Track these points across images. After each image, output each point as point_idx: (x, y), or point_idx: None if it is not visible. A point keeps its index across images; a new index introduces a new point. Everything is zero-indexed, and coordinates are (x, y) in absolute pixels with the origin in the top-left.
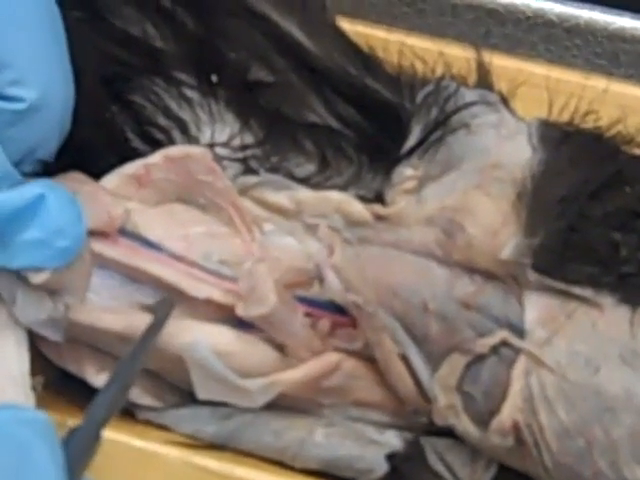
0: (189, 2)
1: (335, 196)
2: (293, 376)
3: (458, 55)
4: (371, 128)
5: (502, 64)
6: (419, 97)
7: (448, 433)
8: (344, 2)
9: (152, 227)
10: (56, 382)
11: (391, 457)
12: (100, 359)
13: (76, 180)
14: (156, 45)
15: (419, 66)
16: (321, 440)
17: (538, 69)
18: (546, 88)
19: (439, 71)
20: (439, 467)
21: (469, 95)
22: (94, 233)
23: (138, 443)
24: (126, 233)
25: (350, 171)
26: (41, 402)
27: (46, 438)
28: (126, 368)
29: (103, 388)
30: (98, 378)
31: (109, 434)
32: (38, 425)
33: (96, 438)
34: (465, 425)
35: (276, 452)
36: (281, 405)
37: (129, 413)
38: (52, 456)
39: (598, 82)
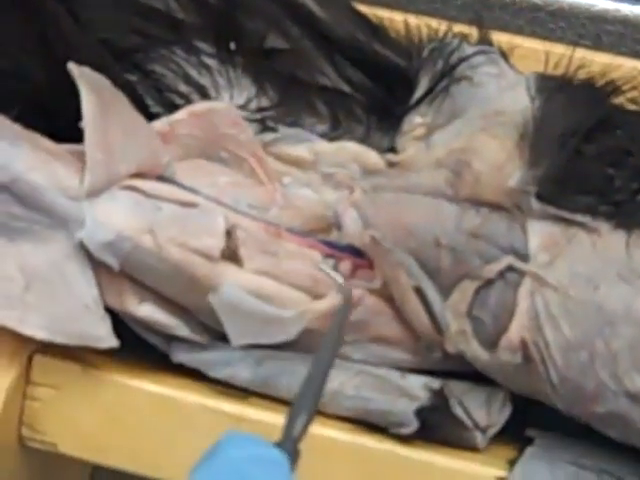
0: None
1: (351, 146)
2: (321, 306)
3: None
4: (379, 91)
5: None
6: (425, 52)
7: (461, 375)
8: None
9: (184, 176)
10: None
11: (419, 411)
12: (140, 292)
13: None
14: (177, 16)
15: (424, 30)
16: (352, 393)
17: (527, 43)
18: (537, 54)
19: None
20: (458, 411)
21: (471, 49)
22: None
23: (153, 388)
24: (164, 179)
25: (360, 130)
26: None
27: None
28: (317, 373)
29: (297, 399)
30: (140, 308)
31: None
32: (270, 464)
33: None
34: (475, 349)
35: None
36: (308, 346)
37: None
38: None
39: (585, 54)
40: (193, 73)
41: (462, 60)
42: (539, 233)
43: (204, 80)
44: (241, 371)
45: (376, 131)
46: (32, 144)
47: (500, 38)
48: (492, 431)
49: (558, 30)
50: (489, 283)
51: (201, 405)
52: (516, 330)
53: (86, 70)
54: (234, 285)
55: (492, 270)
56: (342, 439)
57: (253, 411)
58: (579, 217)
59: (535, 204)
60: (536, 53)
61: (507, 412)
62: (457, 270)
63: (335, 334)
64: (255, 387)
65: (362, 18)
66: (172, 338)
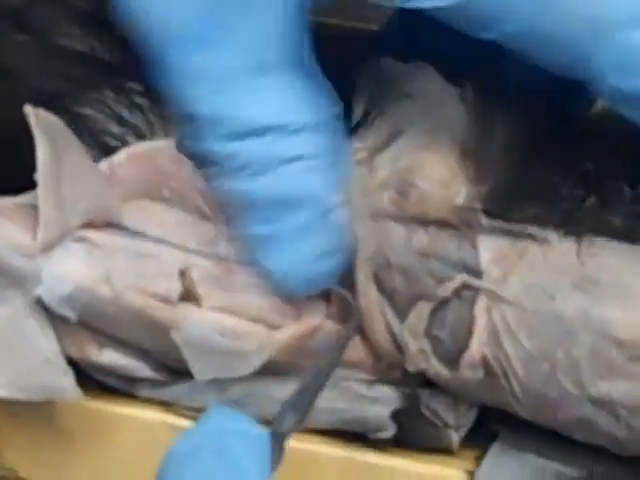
0: None
1: None
2: (281, 336)
3: None
4: None
5: None
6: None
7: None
8: None
9: (131, 219)
10: None
11: (394, 414)
12: (99, 339)
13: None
14: (103, 58)
15: None
16: (327, 405)
17: None
18: None
19: None
20: (429, 415)
21: (405, 67)
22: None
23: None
24: (112, 225)
25: None
26: None
27: (258, 454)
28: (313, 382)
29: (288, 400)
30: (101, 355)
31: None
32: (250, 439)
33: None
34: (436, 367)
35: None
36: (271, 374)
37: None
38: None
39: None
40: (125, 113)
41: (397, 76)
42: (490, 248)
43: (137, 119)
44: (208, 398)
45: None
46: None
47: None
48: (463, 431)
49: None
50: (445, 302)
51: (165, 424)
52: (476, 347)
53: (42, 113)
54: (198, 323)
55: (446, 289)
56: (322, 452)
57: None
58: (528, 229)
59: (483, 219)
60: None
61: (474, 413)
62: (411, 290)
63: (340, 348)
64: None
65: None
66: (135, 379)
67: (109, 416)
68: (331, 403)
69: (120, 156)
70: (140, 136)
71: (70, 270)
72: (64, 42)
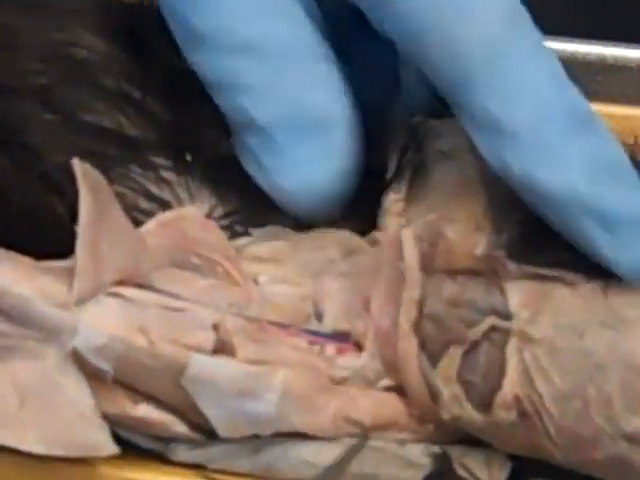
0: (158, 90)
1: (331, 231)
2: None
3: None
4: None
5: None
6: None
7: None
8: None
9: (161, 284)
10: None
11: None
12: (133, 395)
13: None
14: (129, 134)
15: None
16: (355, 470)
17: None
18: None
19: None
20: (463, 473)
21: (437, 124)
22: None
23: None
24: (143, 286)
25: (324, 225)
26: None
27: None
28: None
29: None
30: (136, 409)
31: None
32: None
33: None
34: (469, 413)
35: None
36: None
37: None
38: None
39: None
40: (153, 189)
41: (429, 133)
42: (517, 292)
43: (165, 195)
44: (240, 461)
45: (341, 222)
46: (13, 260)
47: None
48: None
49: None
50: (475, 346)
51: None
52: (508, 387)
53: (88, 168)
54: (200, 357)
55: (477, 332)
56: None
57: None
58: (554, 272)
59: (509, 265)
60: None
61: (507, 469)
62: (442, 338)
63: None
64: (257, 473)
65: None
66: (169, 440)
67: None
68: (359, 468)
69: (149, 225)
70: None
71: (105, 321)
72: (90, 119)
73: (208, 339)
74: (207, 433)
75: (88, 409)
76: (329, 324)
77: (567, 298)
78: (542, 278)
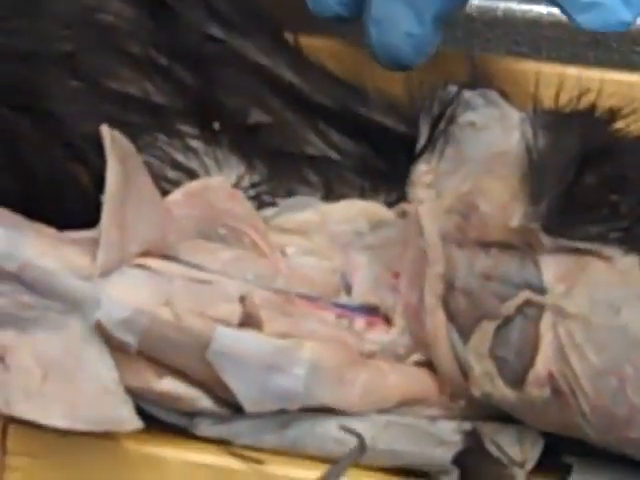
0: (184, 57)
1: (358, 202)
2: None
3: None
4: (368, 153)
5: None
6: (423, 103)
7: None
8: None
9: (187, 255)
10: None
11: (457, 457)
12: (158, 369)
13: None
14: (156, 101)
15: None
16: (385, 447)
17: None
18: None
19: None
20: (493, 450)
21: (470, 93)
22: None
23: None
24: (169, 257)
25: (354, 195)
26: None
27: None
28: None
29: None
30: (161, 383)
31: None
32: None
33: None
34: (501, 390)
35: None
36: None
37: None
38: None
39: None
40: (179, 157)
41: (462, 105)
42: (552, 266)
43: (192, 163)
44: (267, 436)
45: (370, 193)
46: (37, 231)
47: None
48: (529, 466)
49: (494, 39)
50: (508, 321)
51: (187, 461)
52: (542, 364)
53: (117, 135)
54: (225, 330)
55: (510, 307)
56: None
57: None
58: (590, 245)
59: (544, 238)
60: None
61: (540, 446)
62: (474, 312)
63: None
64: (283, 450)
65: (342, 83)
66: (193, 415)
67: (129, 453)
68: (389, 445)
69: (175, 195)
70: (195, 180)
71: (129, 293)
72: (116, 86)
73: (234, 312)
74: (233, 408)
75: (112, 383)
76: (358, 298)
77: (603, 273)
78: (578, 252)
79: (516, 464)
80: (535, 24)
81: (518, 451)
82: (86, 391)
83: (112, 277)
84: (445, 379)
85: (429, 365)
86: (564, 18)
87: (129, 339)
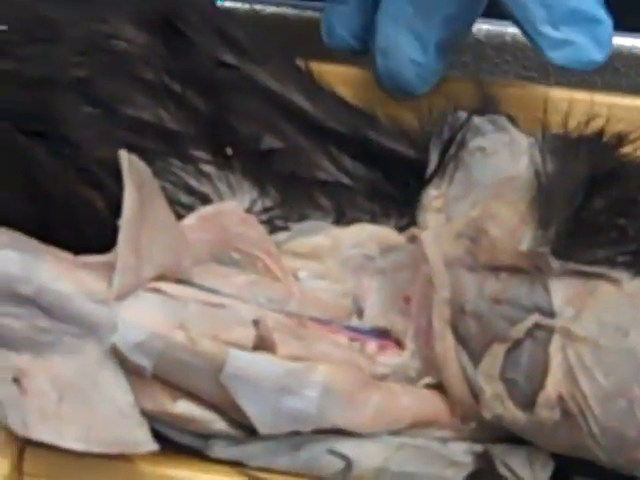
0: (197, 84)
1: (369, 226)
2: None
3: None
4: (379, 178)
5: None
6: (433, 128)
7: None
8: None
9: (201, 280)
10: None
11: (467, 478)
12: (173, 392)
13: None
14: (170, 127)
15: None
16: (397, 469)
17: None
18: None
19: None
20: (505, 472)
21: (479, 119)
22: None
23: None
24: (183, 282)
25: (366, 219)
26: None
27: None
28: None
29: None
30: (175, 406)
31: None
32: None
33: None
34: (511, 412)
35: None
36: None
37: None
38: None
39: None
40: (193, 183)
41: (471, 131)
42: (561, 289)
43: (205, 188)
44: (280, 458)
45: (381, 217)
46: (53, 256)
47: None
48: None
49: (504, 64)
50: (518, 344)
51: None
52: (552, 386)
53: (134, 160)
54: (238, 353)
55: (520, 330)
56: None
57: None
58: (598, 269)
59: (553, 262)
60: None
61: (550, 468)
62: (485, 336)
63: None
64: (297, 471)
65: (353, 108)
66: (208, 437)
67: (147, 476)
68: (401, 467)
69: (189, 219)
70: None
71: (145, 317)
72: (130, 112)
73: (248, 335)
74: (247, 430)
75: (127, 405)
76: (369, 321)
77: (612, 296)
78: (586, 275)
79: None
80: None
81: (529, 473)
82: (102, 414)
83: (127, 301)
84: (456, 401)
85: (440, 388)
86: None
87: (144, 362)
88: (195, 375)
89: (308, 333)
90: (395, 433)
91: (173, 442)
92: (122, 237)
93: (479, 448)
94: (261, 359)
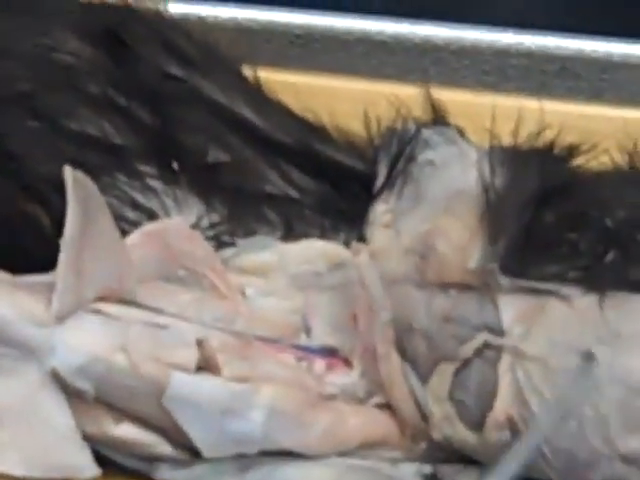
0: (143, 96)
1: (317, 243)
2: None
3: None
4: (328, 191)
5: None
6: (380, 141)
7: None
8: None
9: (145, 298)
10: None
11: None
12: (115, 415)
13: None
14: (115, 141)
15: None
16: None
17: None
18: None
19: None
20: None
21: (428, 132)
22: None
23: None
24: (126, 302)
25: (315, 233)
26: None
27: None
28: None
29: None
30: (117, 429)
31: None
32: None
33: None
34: (461, 433)
35: None
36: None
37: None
38: None
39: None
40: (139, 198)
41: (420, 144)
42: (511, 307)
43: (151, 204)
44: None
45: (331, 232)
46: None
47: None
48: None
49: (462, 69)
50: (467, 363)
51: None
52: (501, 407)
53: (79, 176)
54: (181, 376)
55: (468, 350)
56: None
57: None
58: (548, 286)
59: (502, 279)
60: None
61: None
62: (433, 355)
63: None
64: None
65: (301, 120)
66: (153, 459)
67: None
68: None
69: (133, 237)
70: (155, 220)
71: (85, 340)
72: (75, 126)
73: (191, 357)
74: (192, 452)
75: (69, 430)
76: (317, 339)
77: (562, 313)
78: (536, 292)
79: None
80: (502, 53)
81: None
82: (42, 438)
83: (68, 323)
84: (405, 422)
85: (390, 407)
86: (532, 47)
87: (86, 386)
88: (137, 399)
89: (254, 353)
90: (344, 454)
91: (118, 465)
92: (63, 257)
93: (428, 469)
94: (204, 382)
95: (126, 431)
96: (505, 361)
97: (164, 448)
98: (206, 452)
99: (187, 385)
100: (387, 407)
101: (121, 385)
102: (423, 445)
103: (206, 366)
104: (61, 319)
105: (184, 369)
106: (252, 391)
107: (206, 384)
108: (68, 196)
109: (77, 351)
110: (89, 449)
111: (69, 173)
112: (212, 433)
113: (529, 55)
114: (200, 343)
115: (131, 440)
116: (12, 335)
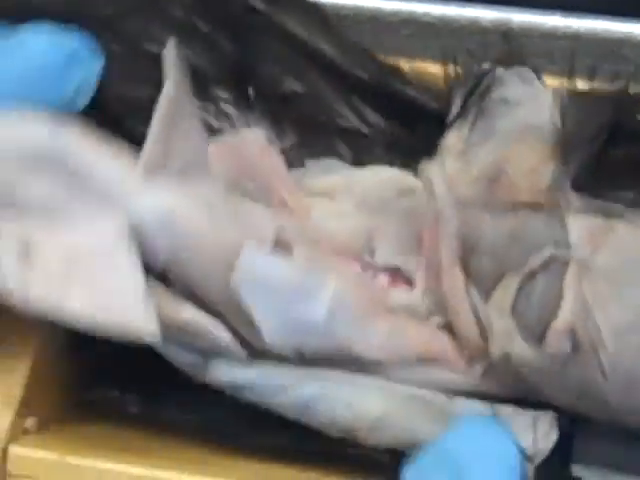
0: (225, 25)
1: (386, 169)
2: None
3: None
4: (399, 129)
5: None
6: (457, 79)
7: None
8: None
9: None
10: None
11: None
12: (179, 297)
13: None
14: (193, 65)
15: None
16: (398, 422)
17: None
18: None
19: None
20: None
21: (504, 73)
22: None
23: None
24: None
25: None
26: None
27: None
28: None
29: None
30: (181, 310)
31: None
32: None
33: None
34: (520, 348)
35: (349, 429)
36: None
37: None
38: None
39: None
40: (212, 121)
41: (495, 82)
42: (579, 226)
43: (224, 128)
44: (280, 394)
45: (400, 168)
46: (82, 130)
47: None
48: (537, 460)
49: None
50: (532, 276)
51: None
52: (564, 318)
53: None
54: (253, 251)
55: (535, 262)
56: None
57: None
58: (617, 208)
59: (572, 197)
60: None
61: (553, 437)
62: (498, 271)
63: None
64: (294, 415)
65: (377, 60)
66: (209, 353)
67: (131, 477)
68: (403, 421)
69: (209, 146)
70: None
71: (167, 197)
72: (154, 49)
73: (268, 234)
74: (249, 348)
75: (138, 285)
76: (381, 259)
77: (629, 234)
78: (606, 214)
79: (526, 457)
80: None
81: (531, 440)
82: (112, 289)
83: (152, 182)
84: (463, 341)
85: (449, 328)
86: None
87: (160, 244)
88: (207, 271)
89: (322, 256)
90: (400, 378)
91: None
92: (153, 127)
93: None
94: (275, 259)
95: (189, 314)
96: (571, 274)
97: (224, 334)
98: (267, 336)
99: (258, 262)
100: (447, 329)
101: (194, 251)
102: (479, 370)
103: (280, 247)
104: (147, 176)
105: (260, 241)
106: (322, 274)
107: (277, 264)
108: (166, 73)
109: (159, 206)
110: (152, 305)
111: (171, 52)
112: (276, 317)
113: (576, 38)
114: (277, 226)
115: (194, 322)
116: (97, 180)
